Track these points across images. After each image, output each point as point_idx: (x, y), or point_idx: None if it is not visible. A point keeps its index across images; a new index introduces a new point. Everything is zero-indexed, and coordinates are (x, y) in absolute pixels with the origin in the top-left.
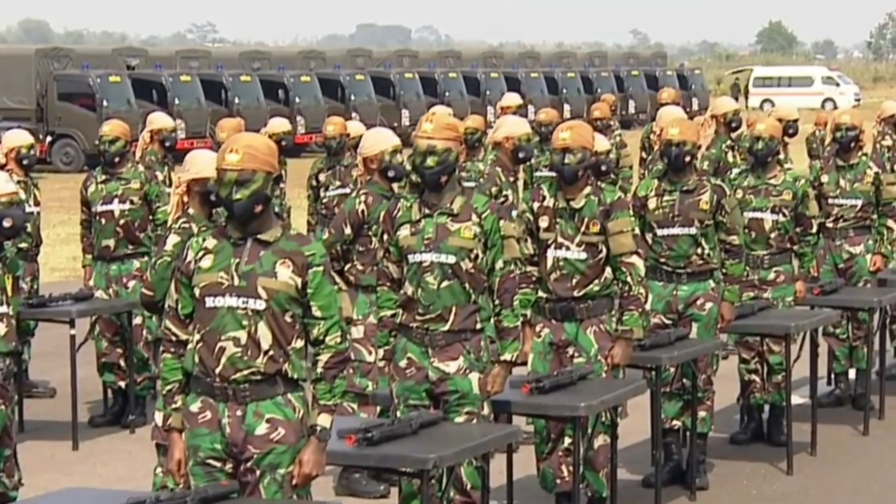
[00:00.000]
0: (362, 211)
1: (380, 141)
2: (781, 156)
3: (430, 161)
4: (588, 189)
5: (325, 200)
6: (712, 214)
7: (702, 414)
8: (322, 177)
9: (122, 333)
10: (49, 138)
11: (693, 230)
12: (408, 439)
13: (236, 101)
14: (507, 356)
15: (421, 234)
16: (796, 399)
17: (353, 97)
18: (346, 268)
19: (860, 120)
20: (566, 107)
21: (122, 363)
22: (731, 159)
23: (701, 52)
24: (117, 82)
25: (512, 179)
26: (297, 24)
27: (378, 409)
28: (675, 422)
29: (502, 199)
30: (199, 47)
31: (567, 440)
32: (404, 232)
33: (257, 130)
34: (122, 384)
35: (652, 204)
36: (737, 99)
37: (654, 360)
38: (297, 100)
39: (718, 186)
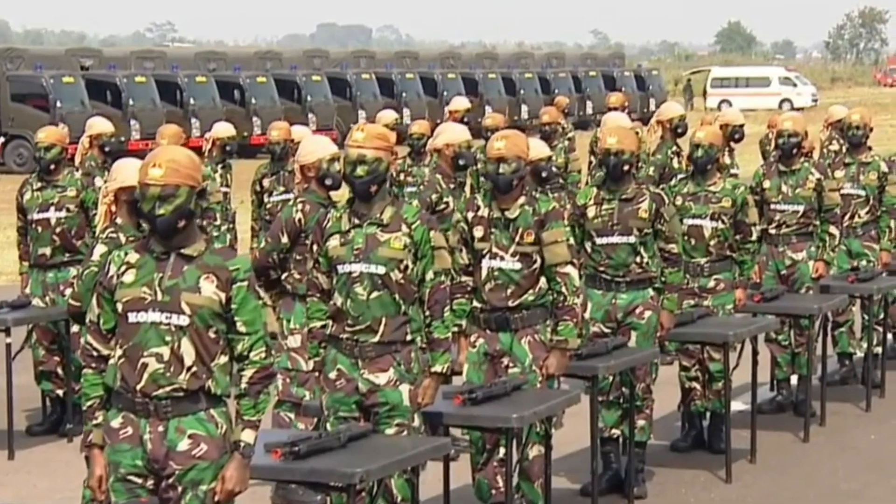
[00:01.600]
0: (299, 219)
1: (317, 149)
2: (729, 160)
3: (359, 170)
4: (523, 199)
5: (268, 206)
6: (651, 223)
7: (640, 423)
8: (266, 182)
9: (59, 341)
10: (2, 139)
11: (632, 239)
12: (336, 453)
13: (191, 101)
14: (437, 368)
15: (350, 244)
16: (739, 406)
17: (309, 98)
18: (284, 276)
19: (802, 126)
20: (524, 107)
21: (60, 371)
22: (676, 165)
23: (661, 52)
24: (71, 83)
25: (452, 186)
26: (258, 23)
27: (315, 419)
28: (613, 430)
29: (443, 206)
30: (154, 48)
31: (502, 451)
32: (334, 242)
33: None
34: (60, 392)
35: (591, 212)
36: (689, 100)
37: (591, 369)
38: (253, 101)
39: (657, 195)
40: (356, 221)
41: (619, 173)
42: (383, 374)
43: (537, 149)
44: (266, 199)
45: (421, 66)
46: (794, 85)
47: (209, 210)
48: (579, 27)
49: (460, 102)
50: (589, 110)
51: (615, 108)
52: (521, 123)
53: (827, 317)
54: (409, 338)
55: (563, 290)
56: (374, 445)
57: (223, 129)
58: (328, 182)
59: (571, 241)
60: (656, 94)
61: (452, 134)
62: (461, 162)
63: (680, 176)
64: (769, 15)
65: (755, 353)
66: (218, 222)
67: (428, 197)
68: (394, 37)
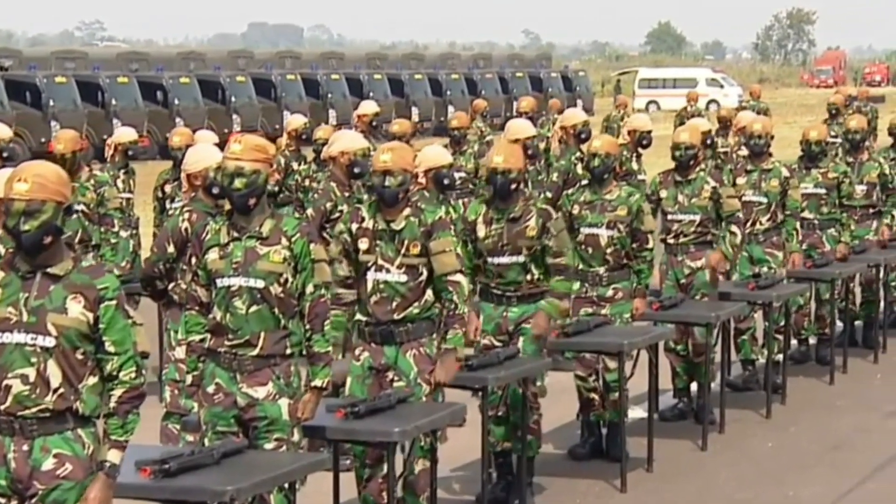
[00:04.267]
0: (186, 229)
1: (203, 157)
2: (636, 165)
3: (237, 183)
4: (408, 210)
5: (170, 212)
6: (539, 239)
7: (528, 437)
8: (168, 188)
9: None
10: None
11: (521, 258)
12: (208, 470)
13: (113, 102)
14: (317, 382)
15: (229, 257)
16: (640, 413)
17: (233, 99)
18: (171, 286)
19: (698, 139)
20: (450, 108)
21: None
22: (580, 171)
23: (592, 53)
24: None
25: (348, 194)
26: (188, 22)
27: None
28: (505, 444)
29: (337, 215)
30: (75, 48)
31: (387, 466)
32: (213, 255)
33: (138, 132)
34: None
35: (481, 232)
36: (615, 100)
37: (481, 380)
38: (177, 101)
39: (543, 210)
40: (235, 234)
41: (506, 192)
42: (262, 388)
43: (439, 155)
44: (168, 206)
45: (347, 67)
46: (721, 86)
47: (108, 216)
48: (511, 27)
49: (368, 107)
50: (515, 112)
51: (525, 114)
52: (446, 123)
53: (726, 324)
54: (288, 351)
55: (455, 297)
56: (250, 461)
57: (125, 134)
58: (215, 191)
59: (460, 250)
60: (583, 95)
61: (348, 141)
62: (356, 170)
63: (579, 185)
64: (699, 16)
65: (652, 361)
66: (116, 228)
67: (322, 205)
68: (325, 36)
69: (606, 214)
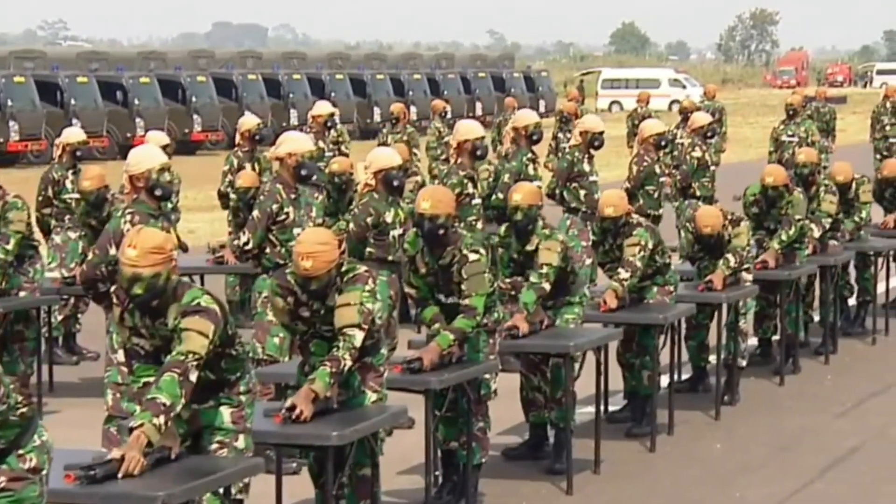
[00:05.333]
0: (127, 230)
1: (146, 159)
2: (588, 167)
3: (136, 289)
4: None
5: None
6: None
7: (473, 445)
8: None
9: None
10: None
11: (456, 299)
12: (139, 476)
13: (73, 102)
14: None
15: (151, 339)
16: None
17: (194, 99)
18: (113, 289)
19: (623, 208)
20: (413, 108)
21: None
22: (532, 172)
23: (556, 53)
24: None
25: (293, 196)
26: (152, 21)
27: None
28: (452, 443)
29: (283, 217)
30: (34, 48)
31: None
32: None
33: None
34: None
35: (422, 270)
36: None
37: (424, 382)
38: (136, 101)
39: (464, 256)
40: (148, 324)
41: (434, 238)
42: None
43: (389, 157)
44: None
45: (308, 67)
46: (684, 87)
47: (61, 213)
48: (476, 27)
49: (322, 107)
50: (479, 111)
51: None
52: (410, 124)
53: (675, 325)
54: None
55: (341, 345)
56: (183, 466)
57: (73, 135)
58: (158, 192)
59: (369, 305)
60: (546, 96)
61: (295, 143)
62: (303, 172)
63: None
64: (663, 16)
65: (600, 363)
66: (69, 225)
67: (268, 207)
68: (290, 36)
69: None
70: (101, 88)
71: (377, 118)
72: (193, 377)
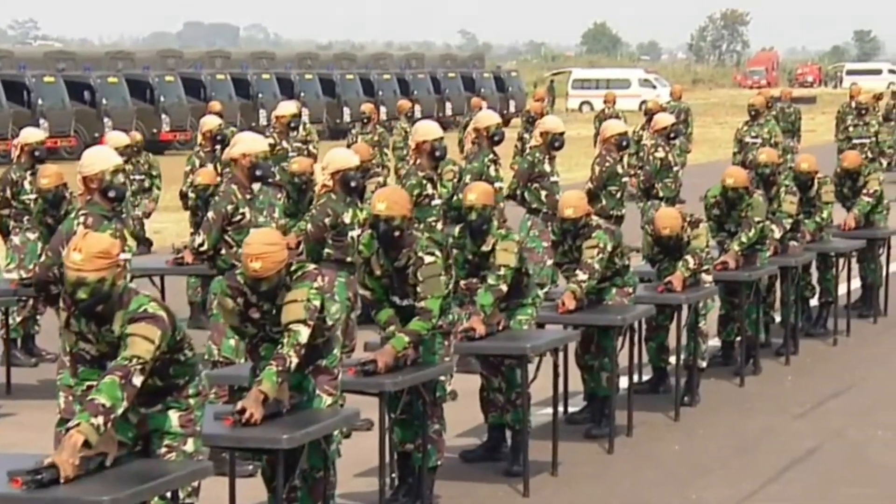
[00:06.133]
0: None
1: (99, 160)
2: (548, 168)
3: (81, 293)
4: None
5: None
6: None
7: (428, 447)
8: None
9: None
10: None
11: (412, 301)
12: (86, 479)
13: (40, 102)
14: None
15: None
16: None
17: (162, 99)
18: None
19: (583, 209)
20: (382, 108)
21: None
22: (493, 173)
23: (528, 53)
24: None
25: (248, 197)
26: (123, 21)
27: None
28: (408, 445)
29: (238, 217)
30: (1, 47)
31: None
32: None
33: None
34: None
35: (377, 270)
36: (552, 101)
37: (379, 385)
38: (104, 101)
39: (419, 259)
40: (94, 329)
41: (389, 240)
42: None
43: (346, 158)
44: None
45: (278, 67)
46: (654, 87)
47: (20, 214)
48: (448, 27)
49: (286, 107)
50: (448, 111)
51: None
52: (380, 124)
53: (633, 327)
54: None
55: (285, 342)
56: (132, 471)
57: (31, 135)
58: (111, 194)
59: (316, 302)
60: (516, 96)
61: (250, 144)
62: (258, 173)
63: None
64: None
65: (557, 365)
66: (27, 226)
67: (223, 208)
68: (262, 36)
69: (487, 272)
70: (69, 88)
71: (346, 118)
72: (137, 381)
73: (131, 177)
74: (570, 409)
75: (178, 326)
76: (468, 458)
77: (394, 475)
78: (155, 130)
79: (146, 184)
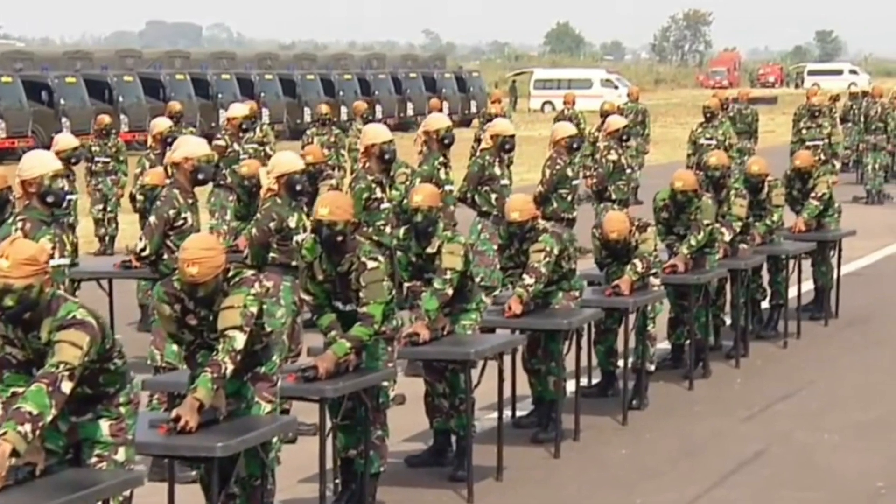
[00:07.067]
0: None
1: (38, 164)
2: (499, 171)
3: (8, 301)
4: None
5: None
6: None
7: (370, 453)
8: None
9: None
10: None
11: (354, 306)
12: (15, 490)
13: None
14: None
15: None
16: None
17: (121, 99)
18: None
19: (530, 213)
20: (343, 109)
21: None
22: (443, 176)
23: (492, 53)
24: None
25: (191, 201)
26: (86, 20)
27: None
28: (351, 451)
29: (181, 222)
30: None
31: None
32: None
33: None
34: None
35: (319, 276)
36: (513, 102)
37: (319, 391)
38: (62, 101)
39: (362, 264)
40: (21, 336)
41: (332, 245)
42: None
43: (291, 161)
44: None
45: (238, 67)
46: (616, 87)
47: None
48: (412, 27)
49: (238, 110)
50: (409, 112)
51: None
52: (341, 125)
53: (579, 331)
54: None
55: (219, 348)
56: (62, 480)
57: None
58: (49, 199)
59: (252, 309)
60: (477, 96)
61: (192, 147)
62: (200, 176)
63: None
64: (598, 16)
65: (502, 370)
66: None
67: (165, 212)
68: (224, 35)
69: (433, 274)
70: (27, 88)
71: (307, 119)
72: (66, 388)
73: (96, 159)
74: (519, 414)
75: (107, 334)
76: (413, 463)
77: (337, 481)
78: (114, 131)
79: (110, 166)
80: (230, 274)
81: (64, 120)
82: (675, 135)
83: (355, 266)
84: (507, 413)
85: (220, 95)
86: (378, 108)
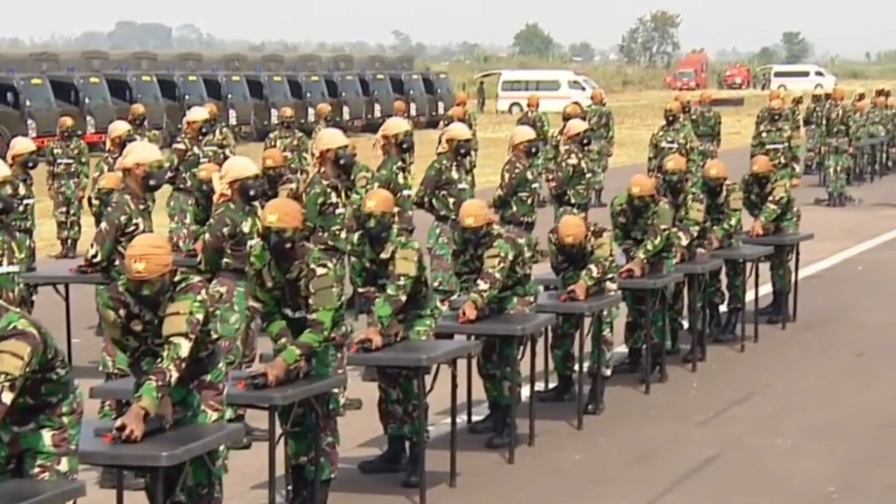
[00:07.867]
0: None
1: None
2: (456, 175)
3: None
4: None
5: None
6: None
7: (321, 460)
8: None
9: None
10: None
11: (304, 313)
12: None
13: None
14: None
15: None
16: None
17: (87, 100)
18: None
19: (484, 219)
20: (310, 110)
21: None
22: (401, 181)
23: (461, 54)
24: None
25: (142, 207)
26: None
27: None
28: (302, 458)
29: (132, 228)
30: None
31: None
32: None
33: None
34: None
35: (268, 283)
36: (481, 103)
37: (268, 398)
38: (28, 103)
39: (311, 270)
40: None
41: (281, 252)
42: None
43: (244, 167)
44: None
45: (205, 69)
46: (584, 88)
47: None
48: (381, 27)
49: (197, 114)
50: (377, 113)
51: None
52: (308, 126)
53: (534, 336)
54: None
55: (164, 354)
56: (3, 491)
57: None
58: None
59: (199, 316)
60: (445, 98)
61: (143, 153)
62: (152, 182)
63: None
64: (567, 17)
65: (455, 376)
66: None
67: (116, 218)
68: (194, 36)
69: (386, 280)
70: None
71: (274, 120)
72: (6, 398)
73: (58, 161)
74: (474, 419)
75: (49, 344)
76: (367, 469)
77: (288, 487)
78: (80, 133)
79: (73, 168)
80: (177, 279)
81: (30, 122)
82: (642, 136)
83: (304, 273)
84: (463, 418)
85: (186, 97)
86: (345, 110)
